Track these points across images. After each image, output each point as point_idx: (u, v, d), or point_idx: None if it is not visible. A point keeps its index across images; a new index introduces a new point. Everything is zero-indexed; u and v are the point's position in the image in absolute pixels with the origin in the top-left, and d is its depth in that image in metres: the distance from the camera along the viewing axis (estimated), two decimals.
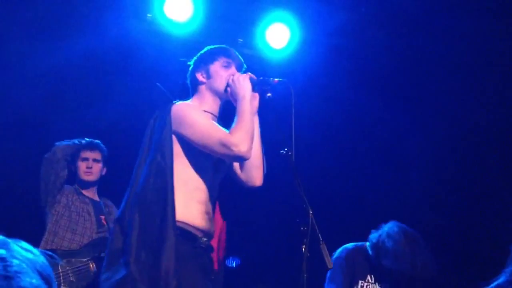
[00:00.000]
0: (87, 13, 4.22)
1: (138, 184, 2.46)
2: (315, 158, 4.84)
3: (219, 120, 2.70)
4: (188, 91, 2.79)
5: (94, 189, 4.03)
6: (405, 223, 3.49)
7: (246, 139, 2.44)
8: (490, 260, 3.25)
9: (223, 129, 2.53)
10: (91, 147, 3.98)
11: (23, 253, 0.79)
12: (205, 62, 2.72)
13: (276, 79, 2.60)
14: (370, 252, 3.45)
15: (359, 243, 3.56)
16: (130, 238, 2.34)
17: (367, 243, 3.51)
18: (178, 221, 2.40)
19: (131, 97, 4.30)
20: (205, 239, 2.52)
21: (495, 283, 1.01)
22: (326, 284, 3.52)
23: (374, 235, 3.45)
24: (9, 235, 0.85)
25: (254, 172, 2.67)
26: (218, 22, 4.45)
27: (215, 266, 2.70)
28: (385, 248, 3.33)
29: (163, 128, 2.52)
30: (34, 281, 0.75)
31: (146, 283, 2.26)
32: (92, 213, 3.86)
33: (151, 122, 2.61)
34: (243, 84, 2.57)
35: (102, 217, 3.91)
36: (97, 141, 4.03)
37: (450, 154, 4.95)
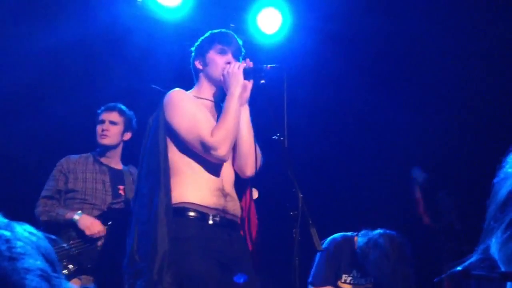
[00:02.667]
0: None
1: (141, 182, 2.52)
2: (307, 143, 4.85)
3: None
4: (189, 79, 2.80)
5: (115, 154, 3.68)
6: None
7: (225, 141, 2.45)
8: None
9: (208, 125, 2.51)
10: (108, 108, 3.69)
11: (28, 235, 0.80)
12: (202, 49, 2.70)
13: (269, 65, 2.58)
14: (357, 249, 3.41)
15: (348, 234, 3.51)
16: (133, 227, 2.46)
17: (357, 237, 3.46)
18: (186, 202, 2.45)
19: (121, 82, 4.28)
20: (218, 216, 2.50)
21: (467, 262, 1.03)
22: (311, 272, 3.51)
23: (363, 239, 3.40)
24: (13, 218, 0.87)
25: (243, 162, 2.65)
26: (209, 7, 4.42)
27: (249, 245, 2.66)
28: (370, 257, 3.32)
29: (157, 119, 2.55)
30: (38, 263, 0.76)
31: (147, 265, 2.33)
32: (108, 183, 3.55)
33: (150, 122, 2.61)
34: (236, 78, 2.54)
35: (121, 187, 3.60)
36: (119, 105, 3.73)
37: (445, 141, 4.94)
